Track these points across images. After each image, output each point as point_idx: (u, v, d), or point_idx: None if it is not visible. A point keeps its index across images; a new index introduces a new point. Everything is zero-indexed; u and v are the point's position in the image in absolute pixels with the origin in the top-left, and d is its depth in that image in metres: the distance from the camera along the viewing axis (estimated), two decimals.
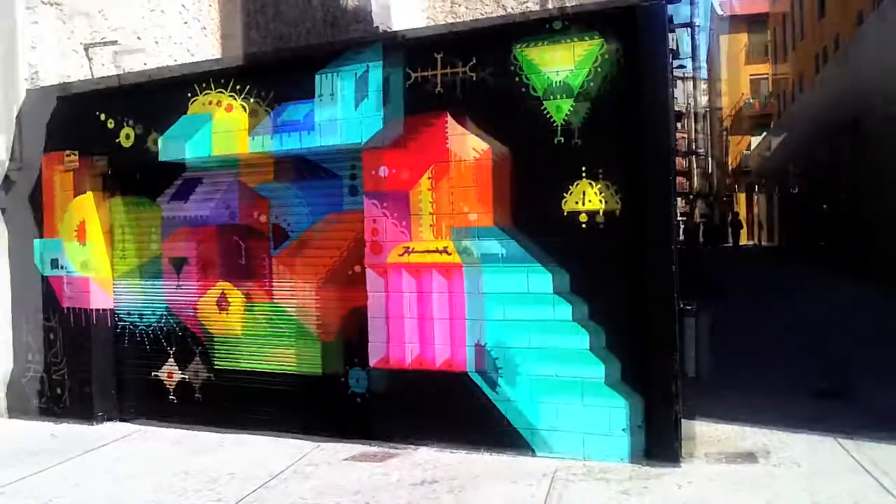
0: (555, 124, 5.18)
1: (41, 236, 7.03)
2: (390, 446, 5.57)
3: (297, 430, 5.94)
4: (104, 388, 6.80)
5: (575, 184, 5.13)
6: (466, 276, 5.44)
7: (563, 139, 5.16)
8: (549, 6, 8.43)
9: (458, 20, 9.02)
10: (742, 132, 44.17)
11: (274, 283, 6.26)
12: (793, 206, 26.46)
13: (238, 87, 6.16)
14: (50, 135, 6.96)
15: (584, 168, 5.10)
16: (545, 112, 5.20)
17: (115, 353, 6.88)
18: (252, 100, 6.10)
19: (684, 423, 5.05)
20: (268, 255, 6.28)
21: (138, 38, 7.58)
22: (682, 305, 5.05)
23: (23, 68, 7.08)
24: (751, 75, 44.45)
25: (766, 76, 42.97)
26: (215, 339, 6.50)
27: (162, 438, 6.26)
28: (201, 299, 6.55)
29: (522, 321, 5.28)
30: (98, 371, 6.79)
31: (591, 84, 5.10)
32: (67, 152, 6.84)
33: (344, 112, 5.76)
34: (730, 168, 45.23)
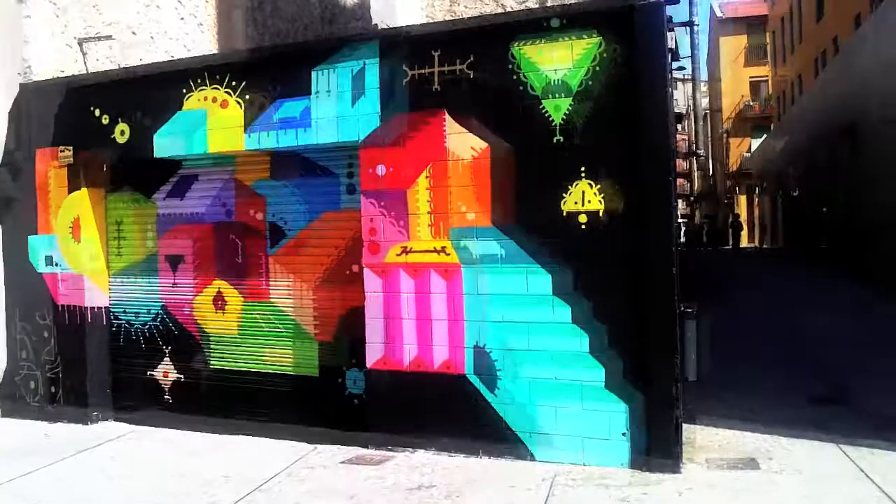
0: (553, 123, 5.11)
1: (35, 233, 6.95)
2: (387, 449, 5.51)
3: (294, 432, 5.87)
4: (99, 388, 6.73)
5: (574, 184, 5.06)
6: (465, 276, 5.37)
7: (562, 138, 5.10)
8: (549, 4, 8.35)
9: (456, 18, 8.94)
10: (742, 134, 44.15)
11: (270, 282, 6.20)
12: (793, 209, 26.41)
13: (234, 83, 6.08)
14: (44, 130, 6.88)
15: (583, 168, 5.04)
16: (544, 111, 5.13)
17: (110, 351, 6.81)
18: (248, 96, 6.03)
19: (684, 426, 4.99)
20: (264, 254, 6.22)
21: (133, 33, 7.50)
22: (682, 308, 4.99)
23: (16, 62, 7.00)
24: (751, 77, 44.42)
25: (765, 78, 42.94)
26: (211, 338, 6.44)
27: (157, 439, 6.21)
28: (197, 298, 6.49)
29: (521, 323, 5.21)
30: (93, 370, 6.72)
31: (590, 83, 5.03)
32: (62, 148, 6.77)
33: (341, 109, 5.69)
34: (730, 170, 45.20)
